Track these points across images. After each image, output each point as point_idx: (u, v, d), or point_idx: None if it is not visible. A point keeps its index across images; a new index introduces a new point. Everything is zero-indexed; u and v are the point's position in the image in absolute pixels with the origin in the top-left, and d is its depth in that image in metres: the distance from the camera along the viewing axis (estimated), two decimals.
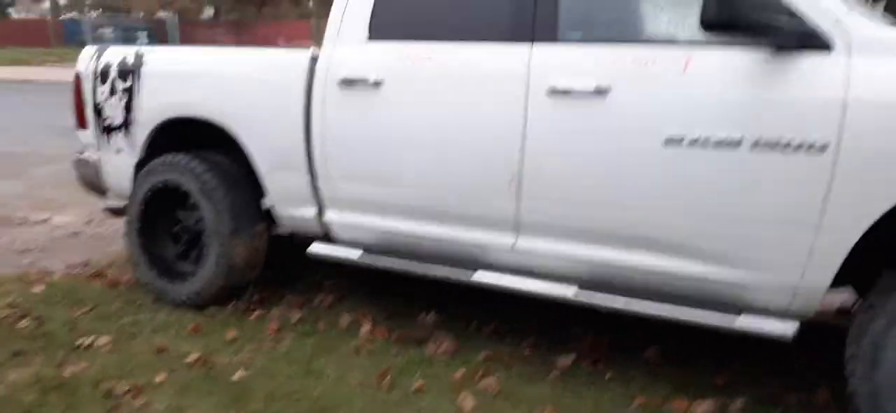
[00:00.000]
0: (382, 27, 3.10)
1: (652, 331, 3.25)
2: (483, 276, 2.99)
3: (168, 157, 3.66)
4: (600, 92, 2.57)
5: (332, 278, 4.12)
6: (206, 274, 3.57)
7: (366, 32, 3.13)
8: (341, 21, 3.20)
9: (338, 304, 3.80)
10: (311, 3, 26.12)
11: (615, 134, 2.56)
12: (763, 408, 2.80)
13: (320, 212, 3.38)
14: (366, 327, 3.48)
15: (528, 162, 2.75)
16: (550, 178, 2.73)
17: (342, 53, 3.16)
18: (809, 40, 2.26)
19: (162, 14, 36.31)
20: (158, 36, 33.19)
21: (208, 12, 38.95)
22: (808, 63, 2.26)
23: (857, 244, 2.25)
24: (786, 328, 2.42)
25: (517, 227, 2.88)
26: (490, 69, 2.81)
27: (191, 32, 34.69)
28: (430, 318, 3.57)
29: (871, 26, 2.26)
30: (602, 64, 2.58)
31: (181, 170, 3.59)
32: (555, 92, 2.65)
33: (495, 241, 2.95)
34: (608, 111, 2.56)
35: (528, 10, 2.76)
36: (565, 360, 3.16)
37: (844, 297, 3.34)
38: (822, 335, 3.10)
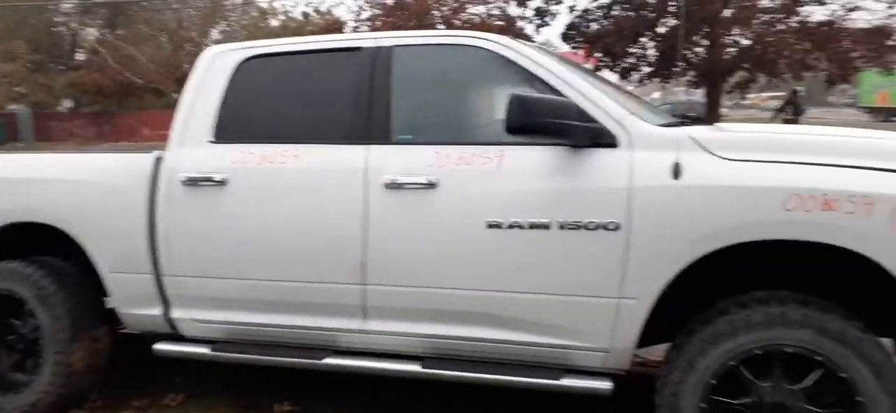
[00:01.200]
0: (227, 130, 3.21)
1: (502, 395, 3.44)
2: (335, 361, 3.08)
3: (1, 265, 3.50)
4: (431, 185, 2.81)
5: (183, 375, 4.02)
6: (42, 383, 3.40)
7: (212, 135, 3.22)
8: (186, 123, 3.26)
9: (189, 402, 3.73)
10: (174, 95, 25.57)
11: (445, 222, 2.80)
12: None
13: (166, 310, 3.35)
14: None
15: (371, 250, 2.92)
16: (392, 264, 2.91)
17: (188, 154, 3.21)
18: (599, 138, 2.64)
19: (13, 107, 33.78)
20: (10, 129, 30.83)
21: (66, 104, 36.78)
22: (600, 157, 2.64)
23: (666, 304, 2.58)
24: (605, 385, 2.72)
25: (364, 312, 3.01)
26: (331, 168, 3.00)
27: (46, 125, 32.41)
28: (285, 406, 3.58)
29: (645, 126, 2.68)
30: (431, 162, 2.85)
31: (15, 277, 3.44)
32: (391, 186, 2.87)
33: (344, 326, 3.06)
34: (438, 202, 2.81)
35: (363, 115, 3.02)
36: None
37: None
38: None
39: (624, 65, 17.05)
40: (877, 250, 2.31)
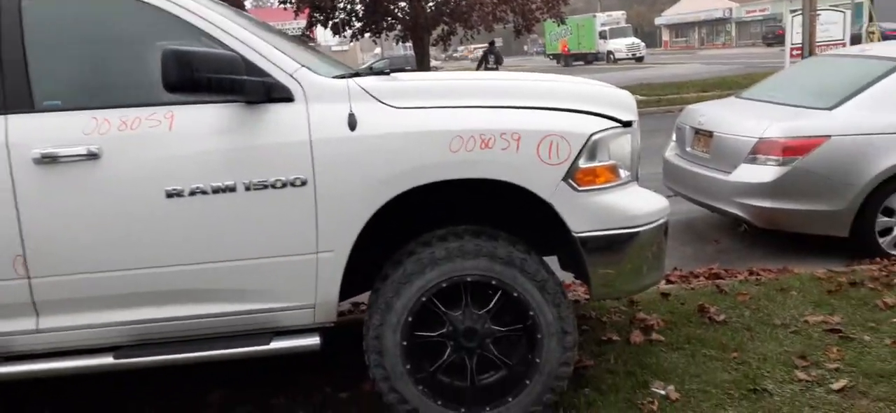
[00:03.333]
0: None
1: (222, 371, 3.31)
2: (6, 369, 2.67)
3: None
4: (93, 156, 2.50)
5: None
6: None
7: None
8: None
9: None
10: None
11: (115, 195, 2.53)
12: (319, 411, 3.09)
13: None
14: None
15: (29, 237, 2.54)
16: (57, 250, 2.56)
17: None
18: (274, 93, 2.57)
19: None
20: None
21: None
22: (277, 112, 2.57)
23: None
24: (312, 341, 2.73)
25: (36, 308, 2.63)
26: None
27: None
28: None
29: (318, 78, 2.66)
30: (89, 129, 2.53)
31: None
32: (42, 161, 2.50)
33: (15, 327, 2.65)
34: (103, 174, 2.52)
35: None
36: None
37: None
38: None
39: (335, 21, 17.12)
40: (529, 179, 2.61)
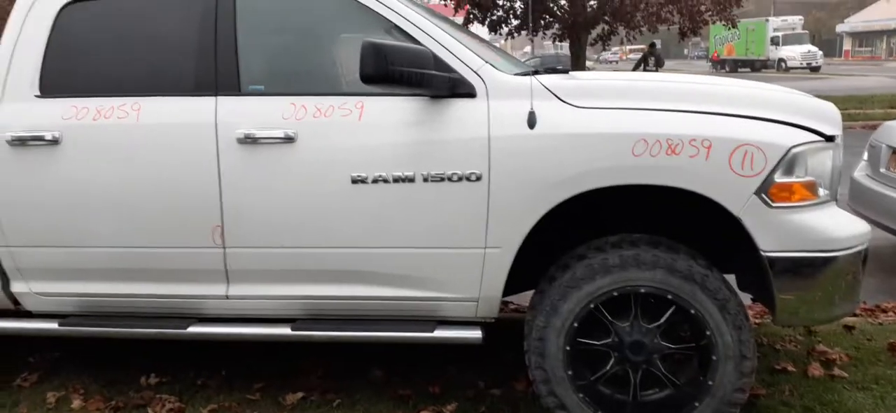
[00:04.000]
0: (56, 83, 2.90)
1: (376, 352, 3.44)
2: (198, 329, 2.93)
3: None
4: (289, 139, 2.68)
5: (39, 352, 3.71)
6: None
7: (36, 89, 2.90)
8: (6, 78, 2.92)
9: (44, 381, 3.44)
10: None
11: (306, 177, 2.69)
12: (472, 406, 3.12)
13: (6, 284, 3.04)
14: (77, 401, 3.22)
15: (227, 210, 2.76)
16: (252, 224, 2.77)
17: (10, 111, 2.88)
18: (458, 88, 2.61)
19: None
20: None
21: None
22: (459, 108, 2.61)
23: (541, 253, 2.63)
24: (474, 334, 2.76)
25: (227, 276, 2.87)
26: (178, 122, 2.78)
27: None
28: (152, 379, 3.39)
29: (501, 75, 2.68)
30: (287, 114, 2.70)
31: None
32: (244, 141, 2.71)
33: (208, 291, 2.91)
34: (298, 157, 2.68)
35: (209, 63, 2.80)
36: (294, 397, 3.21)
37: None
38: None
39: (493, 18, 17.25)
40: (717, 191, 2.47)
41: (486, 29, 18.20)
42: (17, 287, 3.03)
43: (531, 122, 2.54)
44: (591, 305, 2.60)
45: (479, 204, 2.58)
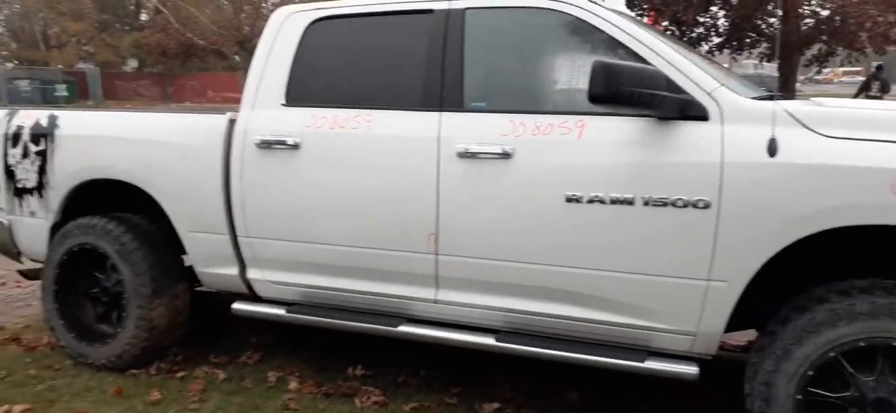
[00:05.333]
0: (299, 93, 3.20)
1: (572, 375, 3.38)
2: (408, 329, 3.07)
3: (84, 220, 3.61)
4: (506, 155, 2.72)
5: (259, 334, 4.11)
6: (126, 336, 3.52)
7: (283, 98, 3.21)
8: (258, 86, 3.27)
9: (265, 361, 3.80)
10: (237, 57, 25.94)
11: (520, 194, 2.72)
12: None
13: (243, 270, 3.39)
14: (293, 383, 3.50)
15: (443, 219, 2.87)
16: (464, 235, 2.85)
17: (260, 116, 3.22)
18: (689, 111, 2.49)
19: (82, 65, 34.71)
20: (79, 88, 31.64)
21: (132, 63, 37.80)
22: (689, 131, 2.49)
23: (757, 290, 2.46)
24: (690, 369, 2.61)
25: (437, 281, 2.98)
26: (403, 135, 2.95)
27: (113, 84, 33.26)
28: (358, 371, 3.62)
29: (739, 98, 2.51)
30: (506, 130, 2.75)
31: (98, 232, 3.54)
32: (464, 155, 2.80)
33: (418, 294, 3.04)
34: (513, 173, 2.72)
35: (435, 81, 2.94)
36: (490, 406, 3.26)
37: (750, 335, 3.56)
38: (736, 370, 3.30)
39: (692, 35, 16.41)
40: None
41: None
42: (252, 274, 3.37)
43: (772, 149, 2.35)
44: (831, 354, 2.35)
45: (705, 233, 2.44)
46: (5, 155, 3.78)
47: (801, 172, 2.32)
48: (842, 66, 20.72)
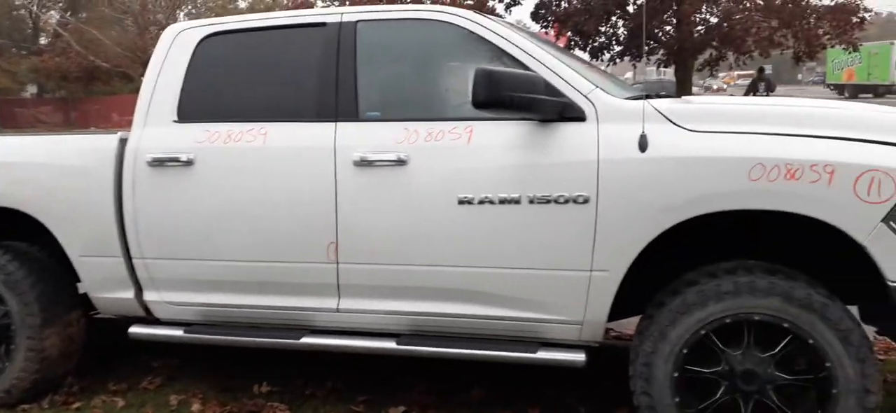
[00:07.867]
0: (191, 109, 3.17)
1: (476, 373, 3.48)
2: (311, 340, 3.08)
3: None
4: (401, 162, 2.80)
5: (163, 358, 4.00)
6: (15, 369, 3.36)
7: (175, 114, 3.17)
8: (150, 104, 3.22)
9: (167, 385, 3.71)
10: (141, 79, 25.05)
11: (416, 199, 2.80)
12: None
13: (139, 293, 3.31)
14: (196, 405, 3.44)
15: (342, 228, 2.91)
16: (363, 242, 2.90)
17: (152, 134, 3.17)
18: (567, 112, 2.65)
19: None
20: None
21: (31, 89, 35.84)
22: (567, 131, 2.65)
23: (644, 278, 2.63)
24: (578, 357, 2.76)
25: (339, 290, 3.01)
26: (300, 146, 2.97)
27: (12, 111, 31.47)
28: (264, 387, 3.58)
29: (611, 99, 2.69)
30: (400, 138, 2.83)
31: None
32: (360, 164, 2.86)
33: (320, 304, 3.06)
34: (408, 179, 2.80)
35: (330, 92, 2.99)
36: (396, 410, 3.30)
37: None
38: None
39: (594, 44, 17.12)
40: (840, 218, 2.37)
41: (587, 56, 18.08)
42: (149, 296, 3.30)
43: (642, 145, 2.53)
44: (702, 332, 2.53)
45: (585, 226, 2.59)
46: None
47: (668, 165, 2.50)
48: (732, 69, 22.05)
